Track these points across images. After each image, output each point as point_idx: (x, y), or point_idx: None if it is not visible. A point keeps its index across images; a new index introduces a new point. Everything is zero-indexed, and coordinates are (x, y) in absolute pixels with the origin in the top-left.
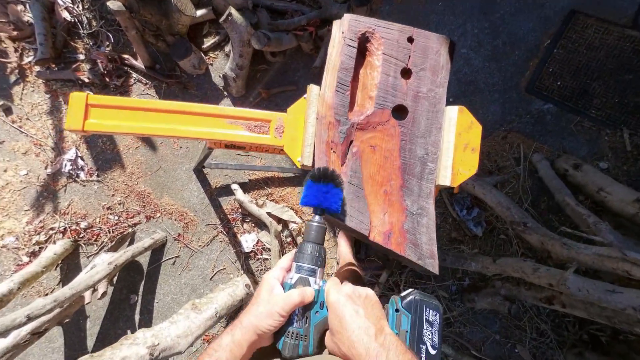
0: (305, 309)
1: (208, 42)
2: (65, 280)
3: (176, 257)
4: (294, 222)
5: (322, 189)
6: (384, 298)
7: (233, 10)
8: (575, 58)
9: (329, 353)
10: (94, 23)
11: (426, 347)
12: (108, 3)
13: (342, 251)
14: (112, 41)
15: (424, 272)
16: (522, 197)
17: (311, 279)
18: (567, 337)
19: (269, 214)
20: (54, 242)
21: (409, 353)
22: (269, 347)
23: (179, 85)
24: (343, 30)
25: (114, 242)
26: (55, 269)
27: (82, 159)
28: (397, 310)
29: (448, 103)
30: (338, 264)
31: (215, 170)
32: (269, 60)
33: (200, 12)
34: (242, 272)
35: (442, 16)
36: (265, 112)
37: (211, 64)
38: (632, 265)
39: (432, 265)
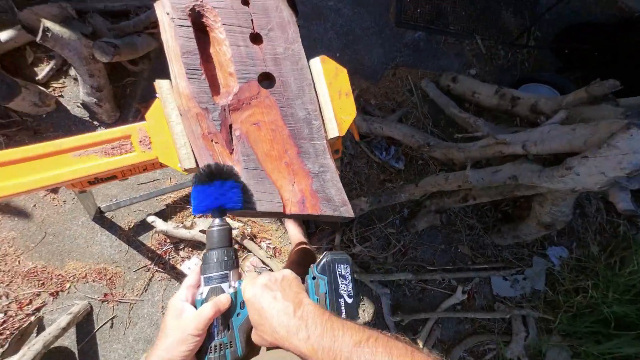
0: (224, 316)
1: (42, 71)
2: None
3: (112, 318)
4: (234, 229)
5: (214, 189)
6: None
7: (49, 24)
8: None
9: (257, 345)
10: None
11: (344, 299)
12: None
13: (292, 233)
14: None
15: (343, 220)
16: (425, 121)
17: (224, 285)
18: (489, 222)
19: (202, 231)
20: None
21: (326, 314)
22: None
23: (25, 132)
24: (167, 11)
25: (7, 345)
26: None
27: None
28: (314, 278)
29: (334, 58)
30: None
31: (121, 210)
32: (132, 70)
33: (4, 36)
34: None
35: None
36: (121, 128)
37: (61, 96)
38: (502, 145)
39: (347, 211)
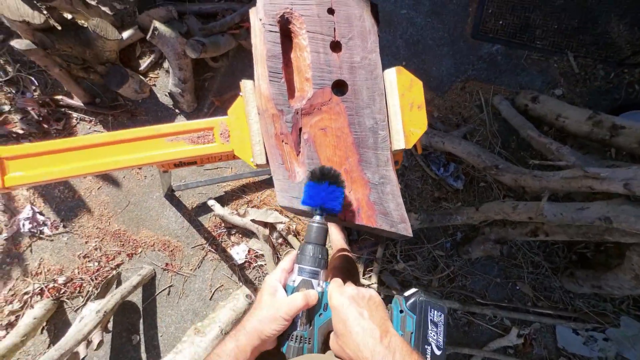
0: (309, 311)
1: (144, 63)
2: (55, 341)
3: (170, 286)
4: (281, 223)
5: (323, 189)
6: (385, 272)
7: (158, 24)
8: None
9: (335, 355)
10: (8, 69)
11: (431, 348)
12: (12, 43)
13: (334, 238)
14: (38, 84)
15: (399, 237)
16: (492, 141)
17: (314, 281)
18: (559, 262)
19: (253, 221)
20: (32, 307)
21: (415, 354)
22: (272, 350)
23: (126, 114)
24: (260, 17)
25: (99, 289)
26: (42, 333)
27: (41, 214)
28: (401, 312)
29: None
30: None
31: (187, 191)
32: (213, 66)
33: (126, 34)
34: (241, 284)
35: None
36: (206, 120)
37: (154, 85)
38: (593, 180)
39: (405, 229)
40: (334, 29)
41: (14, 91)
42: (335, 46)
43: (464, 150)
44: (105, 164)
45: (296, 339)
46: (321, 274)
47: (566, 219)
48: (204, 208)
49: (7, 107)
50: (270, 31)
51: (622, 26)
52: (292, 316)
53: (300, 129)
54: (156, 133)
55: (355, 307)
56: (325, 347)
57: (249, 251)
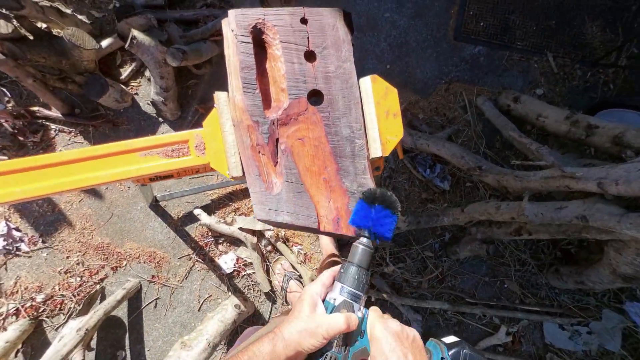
0: (346, 335)
1: (125, 71)
2: None
3: (156, 299)
4: (269, 230)
5: (376, 212)
6: (375, 275)
7: (136, 33)
8: None
9: None
10: None
11: None
12: None
13: (324, 243)
14: (11, 95)
15: (380, 244)
16: (477, 141)
17: (355, 305)
18: (544, 259)
19: (241, 229)
20: (4, 329)
21: None
22: None
23: (107, 124)
24: (232, 28)
25: (81, 306)
26: (16, 356)
27: (17, 229)
28: (442, 359)
29: (385, 70)
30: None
31: (173, 200)
32: (196, 73)
33: (105, 43)
34: (230, 293)
35: None
36: (181, 133)
37: (136, 94)
38: (570, 179)
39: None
40: (308, 38)
41: None
42: (310, 56)
43: (448, 152)
44: (76, 181)
45: (329, 359)
46: (362, 299)
47: (546, 218)
48: (190, 217)
49: None
50: (243, 42)
51: (595, 28)
52: (332, 336)
53: (277, 140)
54: (128, 148)
55: (400, 346)
56: None
57: (237, 260)
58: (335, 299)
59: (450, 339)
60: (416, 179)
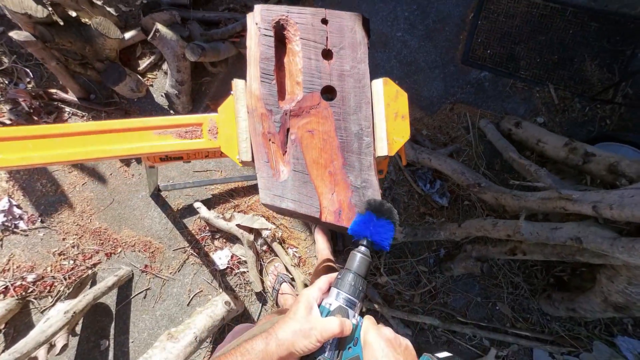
0: (339, 341)
1: (143, 63)
2: (12, 346)
3: (147, 289)
4: (267, 229)
5: (375, 222)
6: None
7: (160, 26)
8: (498, 27)
9: None
10: (4, 59)
11: None
12: (12, 34)
13: (320, 248)
14: (33, 76)
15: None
16: (477, 162)
17: (350, 312)
18: (537, 284)
19: (238, 226)
20: None
21: None
22: None
23: (119, 111)
24: (257, 21)
25: (72, 289)
26: None
27: (18, 207)
28: None
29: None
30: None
31: (174, 192)
32: (211, 71)
33: (128, 35)
34: (221, 290)
35: (372, 5)
36: (196, 116)
37: (151, 85)
38: (566, 201)
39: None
40: (327, 37)
41: (7, 82)
42: (327, 54)
43: (449, 168)
44: (91, 152)
45: None
46: (357, 306)
47: (541, 237)
48: (190, 210)
49: None
50: (265, 35)
51: (594, 66)
52: (326, 339)
53: (288, 130)
54: (145, 125)
55: (392, 353)
56: None
57: (232, 257)
58: (330, 304)
59: (444, 354)
60: (416, 193)
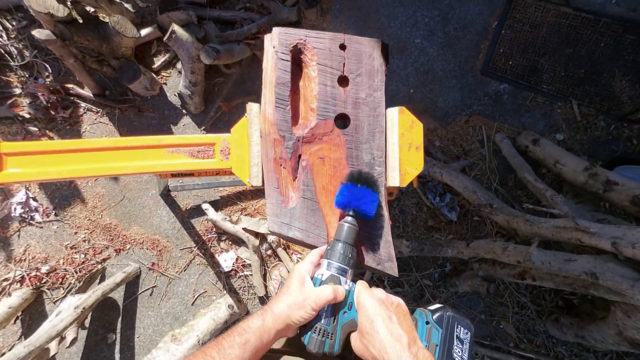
0: (334, 307)
1: (158, 61)
2: (27, 333)
3: (153, 287)
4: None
5: (358, 192)
6: None
7: (176, 27)
8: (522, 37)
9: (356, 354)
10: (26, 53)
11: None
12: (34, 32)
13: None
14: (51, 71)
15: (384, 275)
16: (490, 177)
17: (342, 279)
18: (545, 305)
19: (245, 229)
20: (9, 294)
21: None
22: (291, 338)
23: (133, 109)
24: (274, 44)
25: (82, 283)
26: (15, 323)
27: (34, 199)
28: (427, 323)
29: (407, 94)
30: None
31: (183, 192)
32: (225, 72)
33: (144, 32)
34: (225, 292)
35: (392, 9)
36: (208, 136)
37: (165, 83)
38: (583, 233)
39: (391, 268)
40: (344, 64)
41: (27, 75)
42: (343, 81)
43: (461, 185)
44: (106, 169)
45: (319, 332)
46: (349, 273)
47: (553, 268)
48: (198, 211)
49: (18, 91)
50: (282, 59)
51: (625, 82)
52: (320, 307)
53: (300, 156)
54: (158, 143)
55: (384, 310)
56: (346, 345)
57: (237, 259)
58: (322, 274)
59: (436, 305)
60: (424, 205)
